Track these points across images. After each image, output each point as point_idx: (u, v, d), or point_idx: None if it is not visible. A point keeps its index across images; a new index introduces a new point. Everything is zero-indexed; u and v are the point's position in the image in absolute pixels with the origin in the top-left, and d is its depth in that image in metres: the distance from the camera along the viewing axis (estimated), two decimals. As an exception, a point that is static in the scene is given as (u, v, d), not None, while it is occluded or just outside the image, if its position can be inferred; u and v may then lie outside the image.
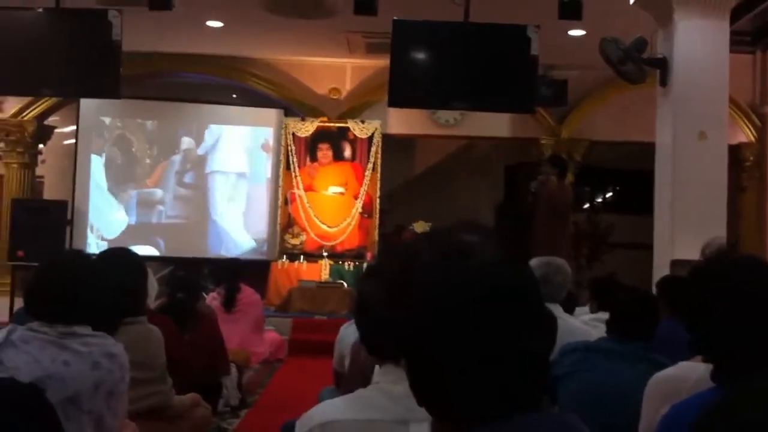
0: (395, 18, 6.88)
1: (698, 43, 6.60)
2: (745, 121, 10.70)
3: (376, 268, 1.97)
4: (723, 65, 6.62)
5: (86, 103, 10.74)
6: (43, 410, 2.01)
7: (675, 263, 6.18)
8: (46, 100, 10.95)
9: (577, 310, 4.86)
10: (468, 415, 0.96)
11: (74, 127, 11.21)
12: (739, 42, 9.58)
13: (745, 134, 10.75)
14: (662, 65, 6.70)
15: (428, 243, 1.01)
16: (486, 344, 0.94)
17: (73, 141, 11.26)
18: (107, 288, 3.02)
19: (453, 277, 0.96)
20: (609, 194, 14.78)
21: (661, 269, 6.34)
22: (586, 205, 14.01)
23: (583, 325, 3.92)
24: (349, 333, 3.74)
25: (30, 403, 1.95)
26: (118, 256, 3.42)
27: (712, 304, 1.83)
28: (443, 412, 0.99)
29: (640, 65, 6.62)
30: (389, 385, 1.55)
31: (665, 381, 2.29)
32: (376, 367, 1.68)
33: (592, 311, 4.68)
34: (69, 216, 10.56)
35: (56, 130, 11.73)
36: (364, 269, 9.96)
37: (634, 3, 7.18)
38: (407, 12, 7.06)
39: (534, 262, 3.97)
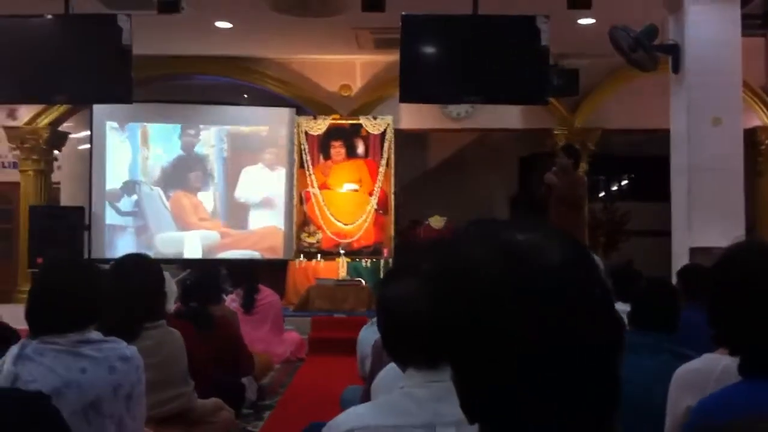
0: (403, 13, 6.86)
1: (709, 28, 6.55)
2: (759, 104, 10.61)
3: (397, 271, 1.94)
4: (735, 49, 6.57)
5: (99, 108, 10.78)
6: (49, 417, 2.01)
7: (694, 251, 6.15)
8: (59, 107, 11.00)
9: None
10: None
11: (88, 132, 11.27)
12: (750, 25, 9.48)
13: (760, 118, 10.66)
14: (674, 51, 6.65)
15: (481, 242, 0.91)
16: (553, 351, 0.85)
17: (88, 146, 11.32)
18: (123, 293, 3.04)
19: (519, 281, 0.86)
20: (624, 182, 14.72)
21: (680, 257, 6.32)
22: (602, 194, 13.95)
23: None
24: (368, 335, 3.74)
25: (35, 411, 1.96)
26: (134, 261, 3.44)
27: (732, 296, 1.81)
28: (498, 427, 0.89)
29: (651, 52, 6.58)
30: (415, 389, 1.54)
31: (690, 374, 2.28)
32: (399, 371, 1.68)
33: (615, 301, 4.65)
34: (87, 221, 10.63)
35: (70, 136, 11.78)
36: (382, 273, 9.98)
37: (644, -11, 7.13)
38: (415, 6, 7.04)
39: None
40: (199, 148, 11.45)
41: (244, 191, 11.49)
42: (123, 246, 11.02)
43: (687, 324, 3.32)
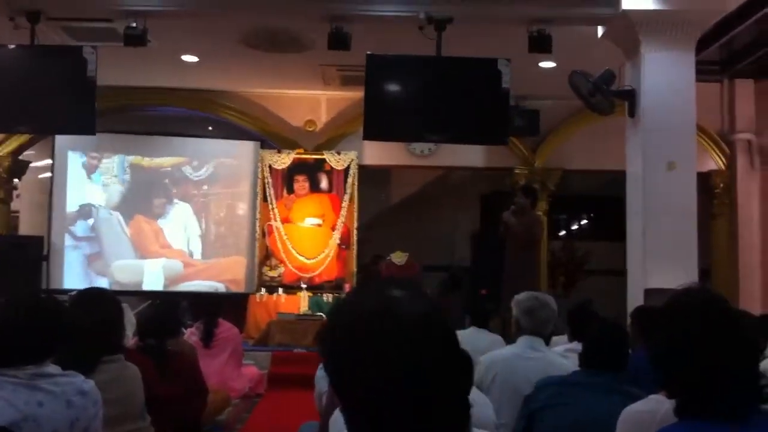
0: (369, 53, 6.98)
1: (664, 75, 6.73)
2: (715, 148, 10.87)
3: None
4: (689, 96, 6.75)
5: (61, 137, 10.72)
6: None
7: (649, 292, 6.27)
8: (21, 135, 10.92)
9: (554, 339, 4.90)
10: None
11: (49, 161, 11.19)
12: (707, 71, 9.79)
13: (715, 162, 10.92)
14: (630, 97, 6.83)
15: (360, 298, 1.18)
16: (411, 381, 1.07)
17: (49, 174, 11.23)
18: (79, 327, 3.04)
19: (383, 328, 1.10)
20: (584, 222, 14.92)
21: (635, 298, 6.43)
22: (562, 233, 14.12)
23: (560, 358, 3.97)
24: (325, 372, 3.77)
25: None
26: (92, 295, 3.45)
27: (669, 342, 1.90)
28: None
29: (608, 97, 6.75)
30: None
31: (636, 414, 2.35)
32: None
33: (570, 341, 4.73)
34: (45, 251, 10.52)
35: (31, 164, 11.68)
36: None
37: (603, 36, 7.32)
38: (380, 46, 7.17)
39: (522, 296, 4.03)
40: (162, 177, 11.40)
41: (207, 222, 11.46)
42: (78, 273, 10.92)
43: (638, 365, 3.40)
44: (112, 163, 11.31)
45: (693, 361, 1.78)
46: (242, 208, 11.46)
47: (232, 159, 11.53)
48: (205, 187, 11.46)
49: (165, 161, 11.44)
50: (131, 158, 11.37)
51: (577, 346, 4.08)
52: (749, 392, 1.75)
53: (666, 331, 1.92)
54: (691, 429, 1.73)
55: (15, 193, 11.68)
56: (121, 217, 11.28)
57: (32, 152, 11.65)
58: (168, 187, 11.43)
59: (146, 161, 11.41)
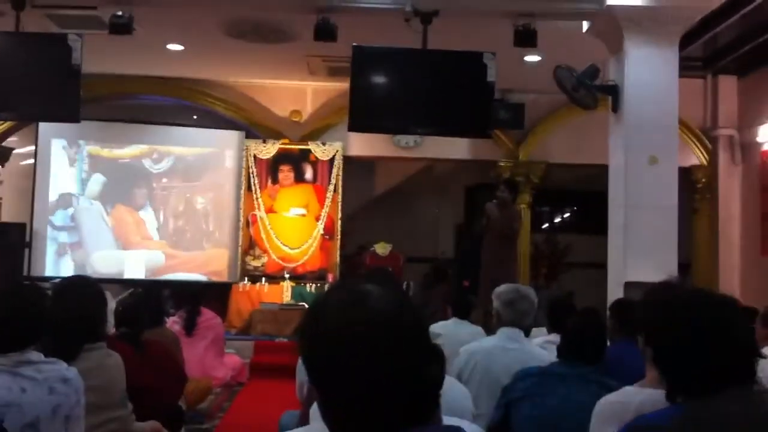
0: (354, 44, 6.99)
1: (648, 71, 6.78)
2: (697, 143, 10.97)
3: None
4: (672, 92, 6.80)
5: (45, 124, 10.66)
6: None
7: (628, 285, 6.33)
8: (3, 122, 10.86)
9: (534, 330, 4.96)
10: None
11: (33, 148, 11.14)
12: (690, 67, 9.87)
13: (697, 157, 11.01)
14: (613, 92, 6.87)
15: (334, 293, 1.25)
16: (381, 370, 1.14)
17: (32, 161, 11.18)
18: (63, 315, 3.06)
19: (353, 317, 1.17)
20: (567, 215, 15.01)
21: (614, 290, 6.49)
22: (545, 226, 14.21)
23: (540, 350, 4.02)
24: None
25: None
26: (75, 283, 3.47)
27: (662, 331, 1.94)
28: None
29: (592, 92, 6.80)
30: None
31: (610, 405, 2.40)
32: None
33: (549, 333, 4.79)
34: (27, 238, 10.48)
35: (14, 151, 11.62)
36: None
37: (587, 31, 7.36)
38: (367, 38, 7.17)
39: (503, 288, 4.07)
40: (146, 167, 11.36)
41: (189, 213, 11.44)
42: (58, 263, 10.88)
43: (616, 357, 3.46)
44: (94, 151, 11.26)
45: (700, 357, 1.81)
46: (226, 198, 11.44)
47: (216, 148, 11.51)
48: (189, 176, 11.43)
49: (147, 150, 11.40)
50: (113, 147, 11.32)
51: (555, 338, 4.14)
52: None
53: (652, 319, 1.98)
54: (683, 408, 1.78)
55: (-2, 179, 11.63)
56: (102, 208, 11.24)
57: (15, 139, 11.59)
58: (150, 176, 11.38)
59: (128, 150, 11.37)
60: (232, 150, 11.43)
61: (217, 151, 11.51)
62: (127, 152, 11.37)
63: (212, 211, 11.46)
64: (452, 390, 2.83)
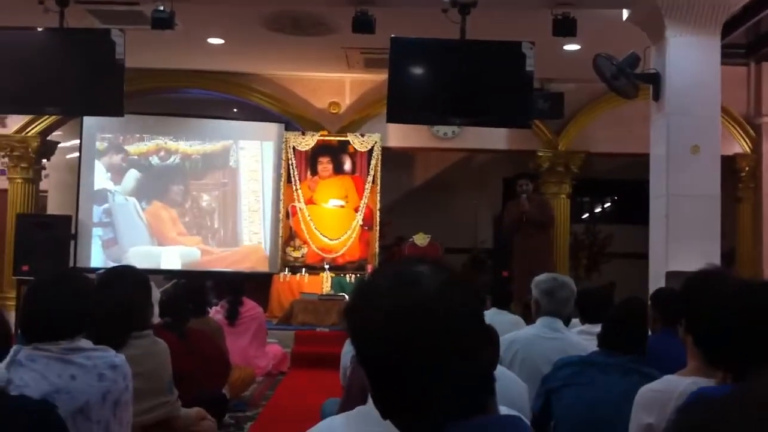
0: (393, 36, 7.01)
1: (690, 59, 6.70)
2: (740, 132, 10.81)
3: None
4: (714, 80, 6.71)
5: (89, 118, 10.85)
6: (54, 425, 2.12)
7: (670, 275, 6.28)
8: (50, 116, 11.06)
9: (573, 321, 4.94)
10: (430, 420, 1.11)
11: (77, 141, 11.34)
12: (733, 55, 9.72)
13: (740, 145, 10.85)
14: (655, 80, 6.80)
15: (383, 273, 1.21)
16: (433, 352, 1.09)
17: (77, 155, 11.38)
18: (110, 304, 3.14)
19: (404, 300, 1.12)
20: (607, 205, 14.89)
21: (656, 280, 6.43)
22: (585, 216, 14.11)
23: (580, 339, 4.01)
24: (351, 347, 3.85)
25: (42, 419, 2.07)
26: (122, 273, 3.55)
27: (715, 319, 1.96)
28: (408, 421, 1.13)
29: (632, 81, 6.73)
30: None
31: (652, 393, 2.40)
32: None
33: (582, 323, 4.77)
34: (73, 230, 10.68)
35: (59, 145, 11.84)
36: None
37: (627, 19, 7.29)
38: (404, 29, 7.19)
39: (542, 277, 4.07)
40: (185, 161, 11.50)
41: (226, 207, 11.56)
42: (103, 255, 11.07)
43: (657, 346, 3.44)
44: (132, 148, 11.41)
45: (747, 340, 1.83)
46: (266, 190, 11.53)
47: (256, 140, 11.61)
48: (228, 169, 11.55)
49: (188, 144, 11.53)
50: (150, 141, 11.46)
51: (589, 328, 4.13)
52: None
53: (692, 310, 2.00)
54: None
55: (43, 173, 11.86)
56: (137, 203, 11.37)
57: (60, 133, 11.81)
58: (188, 171, 11.50)
59: (169, 144, 11.50)
60: (271, 142, 11.52)
61: (256, 143, 11.60)
62: (163, 146, 11.48)
63: (249, 205, 11.55)
64: (506, 377, 2.86)
